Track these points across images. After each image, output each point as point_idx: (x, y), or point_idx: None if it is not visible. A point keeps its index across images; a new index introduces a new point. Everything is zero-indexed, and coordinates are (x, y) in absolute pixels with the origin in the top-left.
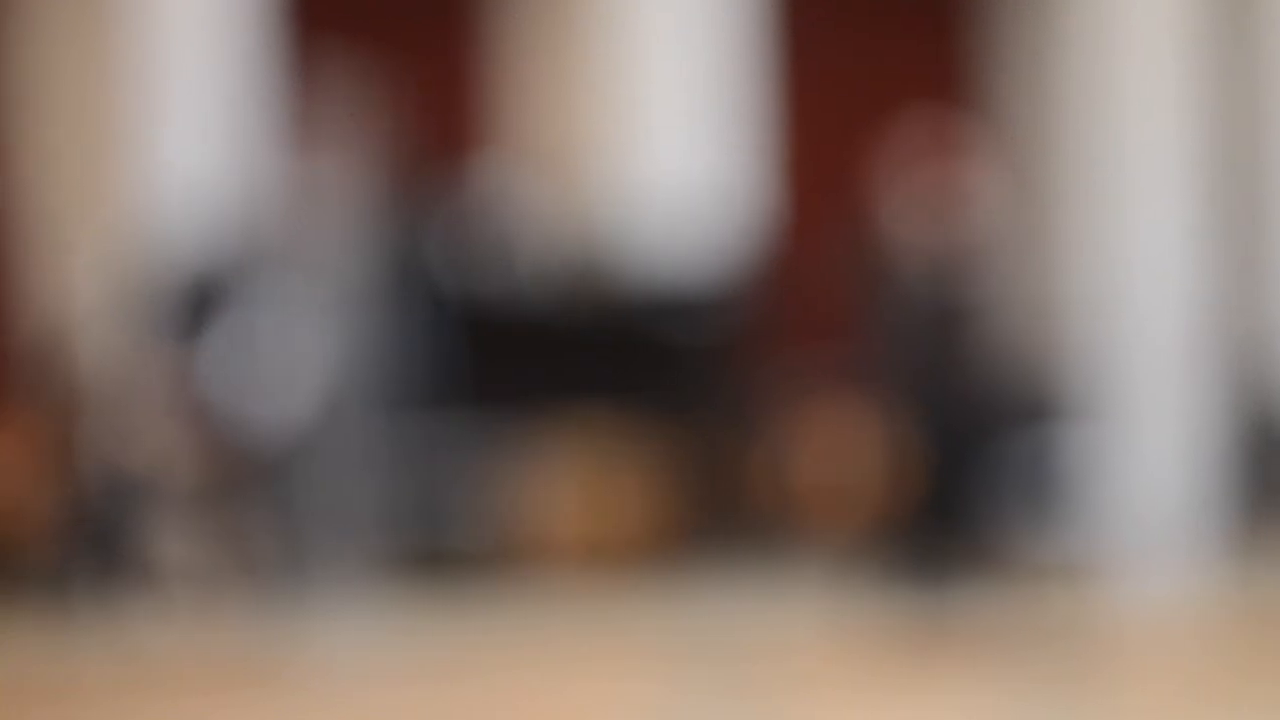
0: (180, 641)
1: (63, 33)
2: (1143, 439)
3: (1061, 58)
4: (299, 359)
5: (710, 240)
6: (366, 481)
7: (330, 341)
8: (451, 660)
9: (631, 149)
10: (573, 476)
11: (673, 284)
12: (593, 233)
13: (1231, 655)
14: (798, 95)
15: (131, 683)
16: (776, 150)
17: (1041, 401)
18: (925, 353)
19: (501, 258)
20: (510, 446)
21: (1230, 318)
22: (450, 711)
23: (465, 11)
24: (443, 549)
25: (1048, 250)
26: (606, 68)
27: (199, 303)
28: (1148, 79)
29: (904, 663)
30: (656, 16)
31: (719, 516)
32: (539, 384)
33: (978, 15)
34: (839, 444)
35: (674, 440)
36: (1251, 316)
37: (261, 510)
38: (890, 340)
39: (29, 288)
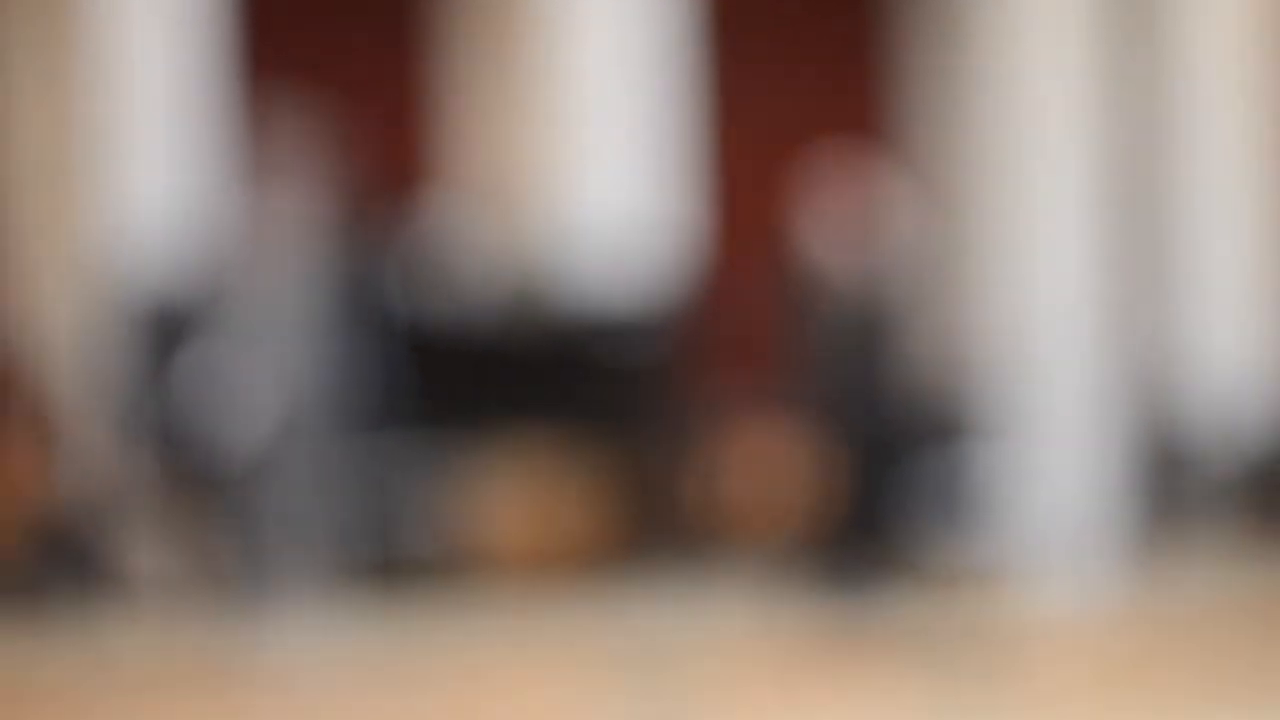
0: (148, 647)
1: (28, 69)
2: (1050, 454)
3: (974, 92)
4: (257, 382)
5: (643, 267)
6: (323, 497)
7: (286, 365)
8: (403, 665)
9: (569, 182)
10: (516, 491)
11: (609, 308)
12: (533, 261)
13: (1129, 655)
14: (726, 129)
15: (101, 686)
16: (706, 182)
17: (956, 419)
18: (846, 374)
19: (447, 285)
20: (457, 463)
21: (1133, 337)
22: (403, 714)
23: (409, 50)
24: (395, 560)
25: (961, 275)
26: (545, 104)
27: (162, 328)
28: (1055, 111)
29: (828, 663)
30: (592, 57)
31: (655, 528)
32: (484, 404)
33: (896, 52)
34: (766, 460)
35: (612, 456)
36: (1152, 336)
37: (224, 524)
38: (812, 362)
39: (1, 313)
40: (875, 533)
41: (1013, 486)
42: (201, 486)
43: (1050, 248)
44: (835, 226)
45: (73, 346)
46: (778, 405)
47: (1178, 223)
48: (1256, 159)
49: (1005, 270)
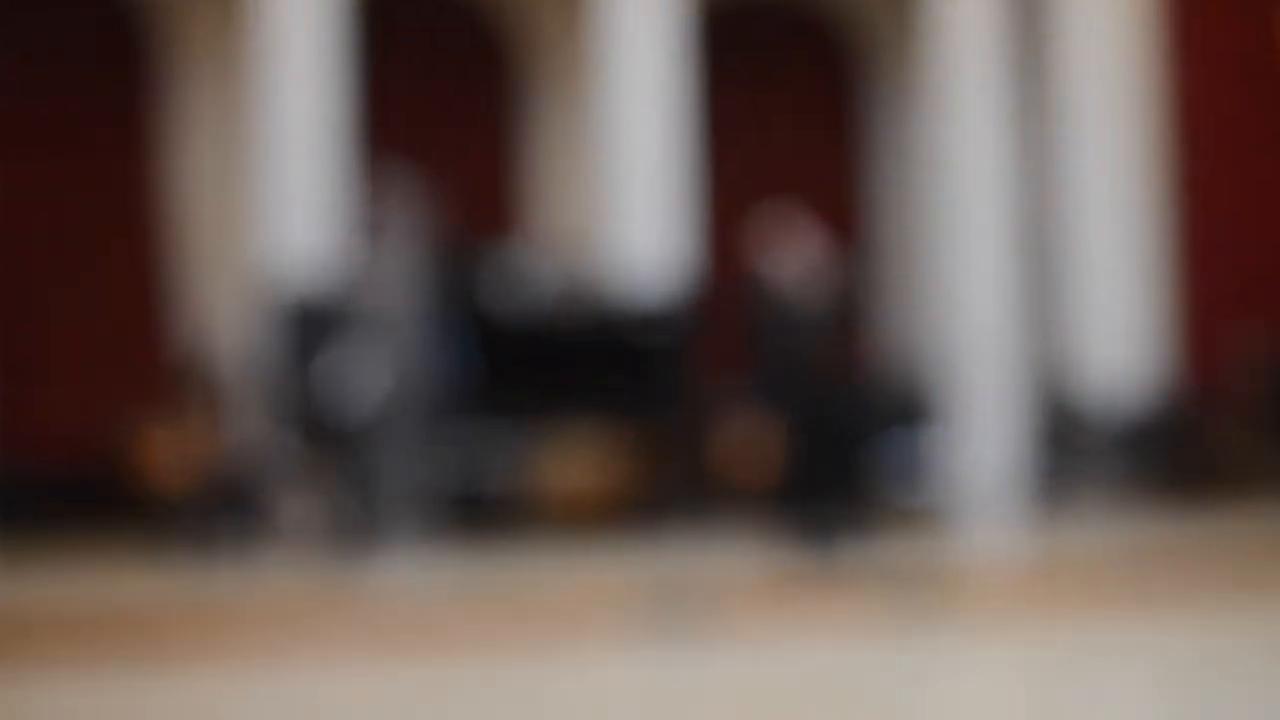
0: (292, 577)
1: (209, 129)
2: (978, 429)
3: (916, 156)
4: (375, 372)
5: (662, 285)
6: (424, 462)
7: (397, 360)
8: (482, 591)
9: (611, 224)
10: (569, 455)
11: (638, 316)
12: (582, 282)
13: (1041, 585)
14: (721, 187)
15: (255, 608)
16: (704, 222)
17: (907, 402)
18: (806, 365)
19: (519, 300)
20: (524, 433)
21: (1037, 338)
22: (480, 621)
23: (494, 129)
24: (476, 511)
25: (909, 294)
26: (593, 169)
27: (306, 330)
28: (976, 169)
29: (812, 591)
30: (626, 138)
31: (674, 483)
32: (544, 387)
33: (858, 117)
34: (753, 431)
35: (642, 427)
36: (1054, 336)
37: (349, 481)
38: (779, 356)
39: (184, 315)
40: (842, 489)
41: (949, 454)
42: (331, 451)
43: (977, 271)
44: (797, 257)
45: (237, 342)
46: (760, 389)
47: (1073, 244)
48: (1130, 196)
49: (944, 290)
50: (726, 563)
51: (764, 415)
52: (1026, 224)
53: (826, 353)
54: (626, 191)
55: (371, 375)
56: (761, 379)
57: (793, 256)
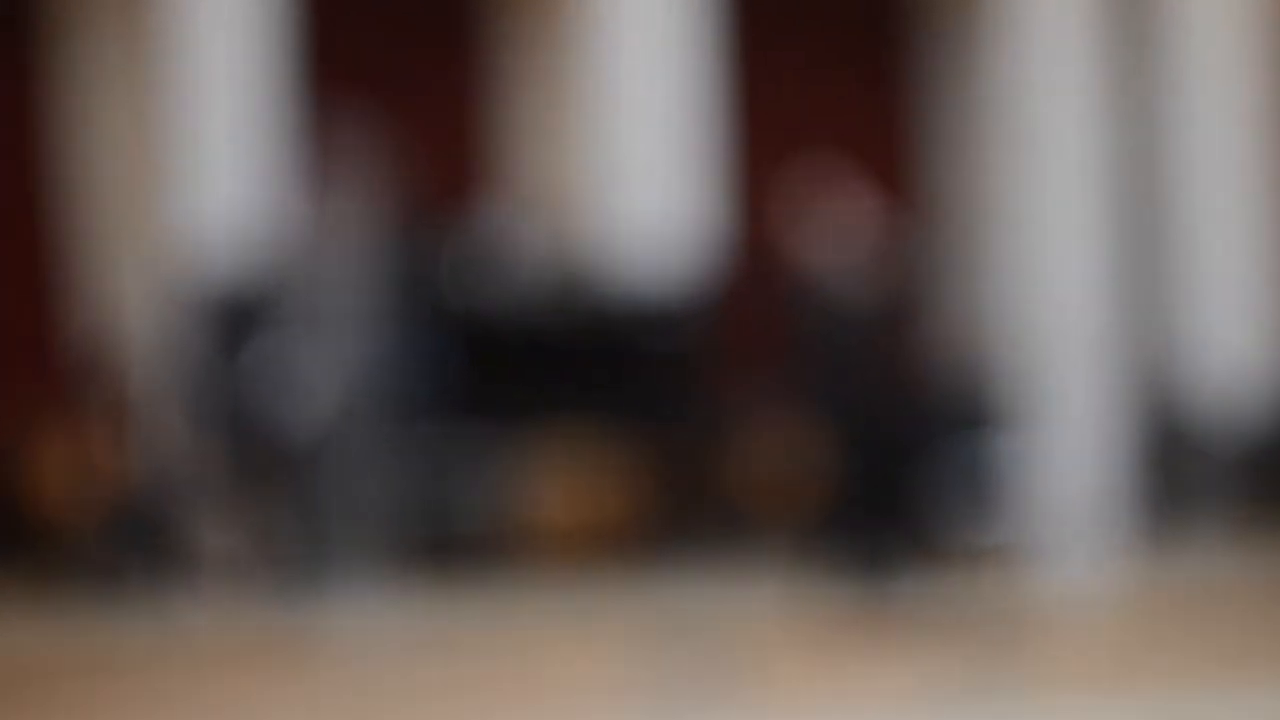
0: (216, 622)
1: (113, 80)
2: (1063, 441)
3: (984, 104)
4: (319, 371)
5: (675, 268)
6: (379, 480)
7: (346, 356)
8: (453, 638)
9: (610, 190)
10: (560, 473)
11: (644, 305)
12: (575, 260)
13: (1139, 631)
14: (748, 144)
15: (169, 655)
16: (729, 190)
17: (973, 408)
18: (856, 364)
19: (498, 282)
20: (505, 447)
21: (1138, 332)
22: (452, 682)
23: (466, 68)
24: (446, 539)
25: (977, 275)
26: (590, 119)
27: (233, 320)
28: (1061, 119)
29: (848, 637)
30: (632, 76)
31: (687, 509)
32: (530, 391)
33: (910, 69)
34: (790, 445)
35: (648, 441)
36: (1157, 330)
37: (288, 504)
38: (822, 354)
39: (81, 304)
40: (896, 515)
41: (1028, 472)
42: (267, 469)
43: (1060, 250)
44: (845, 231)
45: (149, 338)
46: (796, 394)
47: (1179, 220)
48: (1254, 158)
49: (1019, 272)
50: (753, 608)
51: (804, 429)
52: (1124, 187)
53: (882, 354)
54: (630, 145)
55: (317, 376)
56: (803, 385)
57: (840, 234)
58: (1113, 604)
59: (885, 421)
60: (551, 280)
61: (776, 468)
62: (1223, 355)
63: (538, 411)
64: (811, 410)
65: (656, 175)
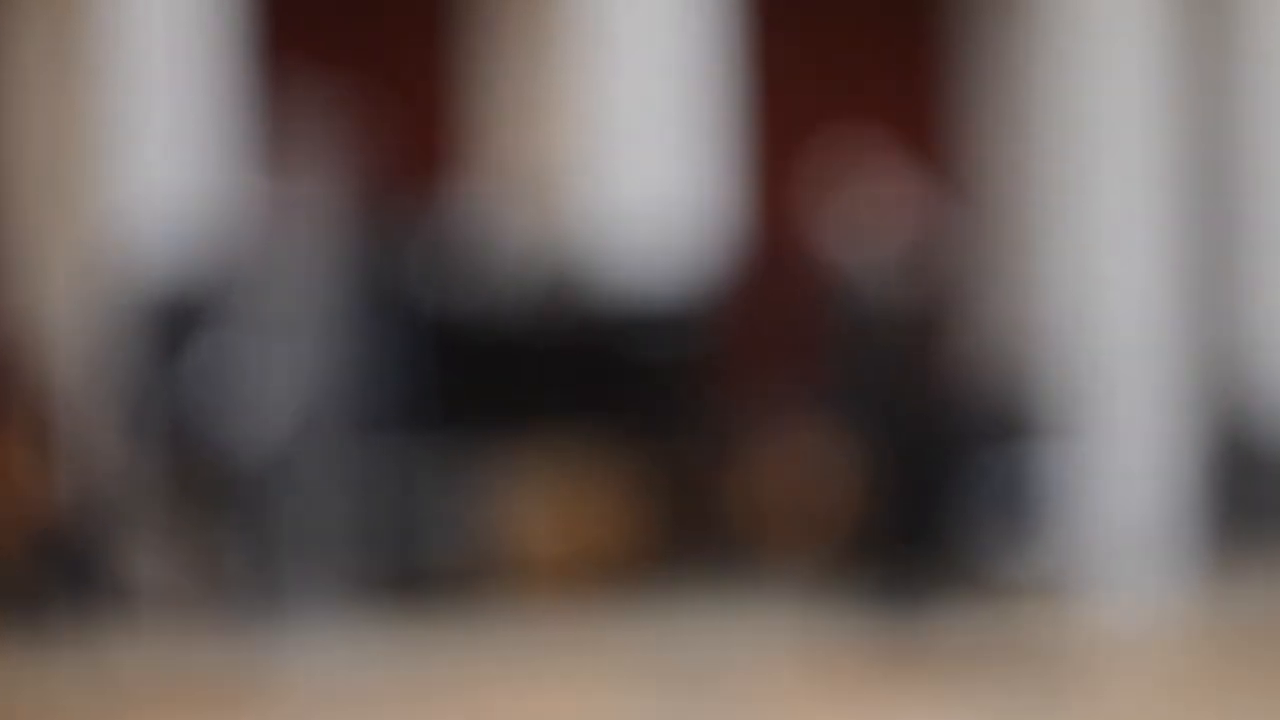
0: (151, 662)
1: (36, 51)
2: (1117, 456)
3: (1032, 75)
4: (272, 379)
5: (679, 260)
6: (340, 502)
7: (303, 361)
8: (425, 680)
9: (603, 169)
10: (546, 495)
11: (644, 303)
12: (564, 252)
13: (1204, 671)
14: (766, 115)
15: (102, 702)
16: (744, 170)
17: (1015, 419)
18: (890, 370)
19: (475, 277)
20: (484, 466)
21: (1204, 334)
22: None
23: (438, 32)
24: (417, 569)
25: (1020, 266)
26: (579, 88)
27: (173, 321)
28: (1119, 94)
29: (878, 681)
30: (628, 38)
31: (691, 534)
32: (512, 403)
33: (947, 34)
34: (808, 463)
35: (645, 458)
36: (1225, 332)
37: (235, 530)
38: (853, 358)
39: (2, 306)
40: (928, 541)
41: (1076, 491)
42: (211, 490)
43: (1118, 241)
44: (875, 217)
45: (76, 340)
46: (820, 404)
47: (1253, 209)
48: None
49: (1070, 264)
50: (765, 644)
51: (827, 443)
52: (1191, 172)
53: (919, 359)
54: (627, 118)
55: (269, 383)
56: (828, 394)
57: (874, 223)
58: (1171, 640)
59: (921, 435)
60: (537, 274)
61: (792, 487)
62: None
63: (521, 424)
64: (837, 423)
65: (658, 153)
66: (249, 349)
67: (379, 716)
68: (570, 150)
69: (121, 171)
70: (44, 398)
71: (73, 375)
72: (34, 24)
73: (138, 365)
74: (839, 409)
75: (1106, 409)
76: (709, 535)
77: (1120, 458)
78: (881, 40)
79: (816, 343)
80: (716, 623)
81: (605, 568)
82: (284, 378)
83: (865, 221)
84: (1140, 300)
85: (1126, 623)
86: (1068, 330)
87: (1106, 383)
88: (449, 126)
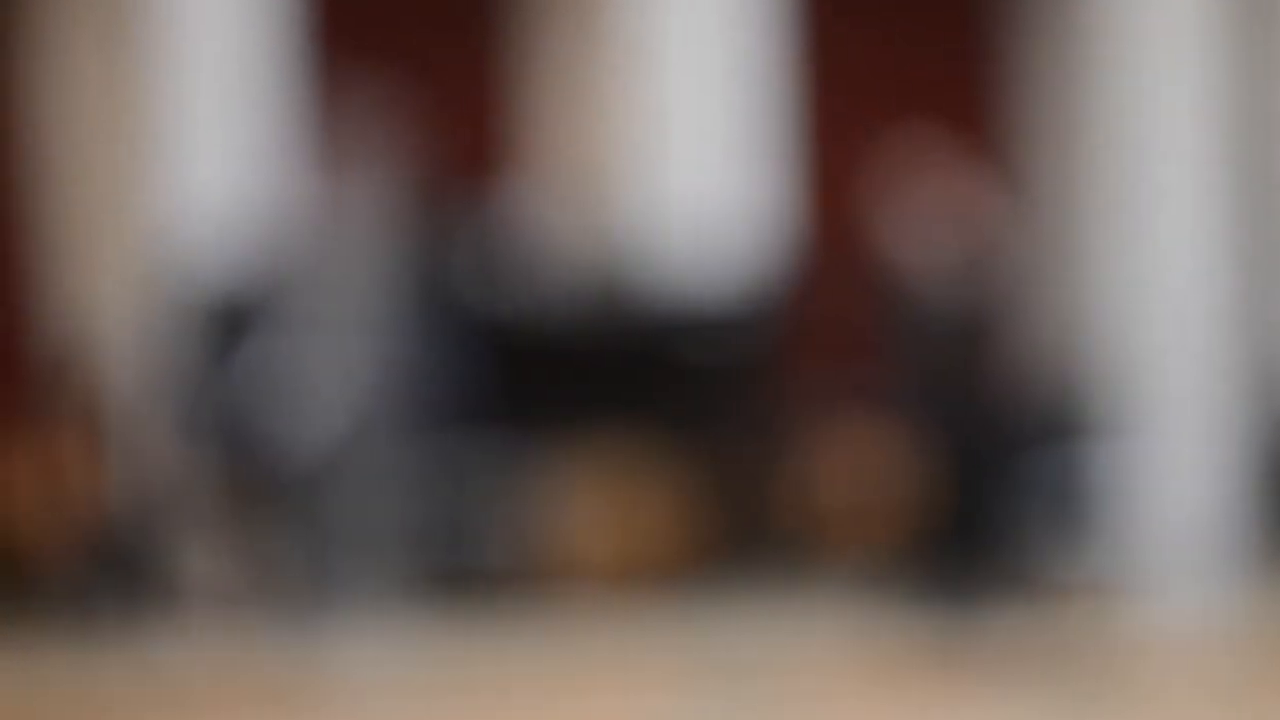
0: (203, 658)
1: (91, 52)
2: (1169, 456)
3: (1087, 79)
4: (324, 379)
5: (734, 259)
6: (391, 502)
7: (355, 362)
8: (475, 679)
9: (655, 169)
10: (598, 496)
11: (697, 303)
12: (617, 252)
13: (1256, 673)
14: (823, 114)
15: (152, 699)
16: (800, 169)
17: (1067, 418)
18: (946, 371)
19: (527, 277)
20: (536, 466)
21: (1253, 334)
22: None
23: (491, 33)
24: (468, 568)
25: (1073, 266)
26: (631, 88)
27: (226, 320)
28: (1171, 98)
29: (929, 681)
30: (681, 37)
31: (744, 535)
32: (564, 404)
33: (1002, 34)
34: (862, 464)
35: (699, 459)
36: (1274, 333)
37: (286, 530)
38: (910, 359)
39: (53, 304)
40: (980, 541)
41: (1127, 491)
42: (262, 490)
43: (1169, 240)
44: (934, 217)
45: (130, 340)
46: (874, 405)
47: None
48: None
49: (1121, 263)
50: (819, 647)
51: (885, 444)
52: (1244, 169)
53: (978, 359)
54: (681, 116)
55: (321, 383)
56: (888, 395)
57: (934, 221)
58: (1224, 641)
59: (975, 435)
60: (590, 273)
61: (847, 487)
62: None
63: (572, 425)
64: (893, 423)
65: (712, 151)
66: (302, 349)
67: (428, 715)
68: (623, 150)
69: (175, 172)
70: (97, 397)
71: (126, 374)
72: (87, 26)
73: (191, 365)
74: (895, 409)
75: (1158, 410)
76: (761, 537)
77: (1171, 458)
78: (938, 41)
79: (872, 344)
80: (768, 623)
81: (658, 569)
82: (336, 378)
83: (922, 222)
84: (1191, 301)
85: (1176, 623)
86: (1119, 331)
87: (1157, 383)
88: (502, 127)
